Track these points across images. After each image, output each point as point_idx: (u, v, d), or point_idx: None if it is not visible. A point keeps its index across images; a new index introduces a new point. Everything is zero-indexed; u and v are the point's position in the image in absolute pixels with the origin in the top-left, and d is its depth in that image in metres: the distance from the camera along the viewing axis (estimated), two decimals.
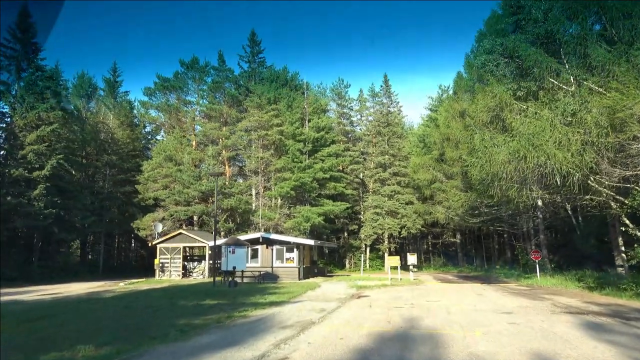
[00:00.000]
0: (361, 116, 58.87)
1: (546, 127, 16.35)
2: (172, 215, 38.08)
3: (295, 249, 28.78)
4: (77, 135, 42.53)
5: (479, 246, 48.96)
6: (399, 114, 56.40)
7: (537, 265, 27.21)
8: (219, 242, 26.39)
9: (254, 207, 41.00)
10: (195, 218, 42.01)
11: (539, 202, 31.20)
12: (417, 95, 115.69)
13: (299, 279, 28.44)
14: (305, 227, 37.62)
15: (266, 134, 39.43)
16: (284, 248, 29.09)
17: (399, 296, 18.37)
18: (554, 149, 16.10)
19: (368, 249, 52.00)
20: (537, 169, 17.16)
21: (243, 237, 29.51)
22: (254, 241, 28.49)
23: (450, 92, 48.85)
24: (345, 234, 52.60)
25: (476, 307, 14.30)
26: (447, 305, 15.01)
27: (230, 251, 22.31)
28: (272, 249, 29.18)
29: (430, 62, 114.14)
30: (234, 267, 21.83)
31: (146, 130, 53.79)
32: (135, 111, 52.03)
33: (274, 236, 28.82)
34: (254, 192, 44.01)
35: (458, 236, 52.35)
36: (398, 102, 55.56)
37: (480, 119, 20.86)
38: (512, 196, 19.70)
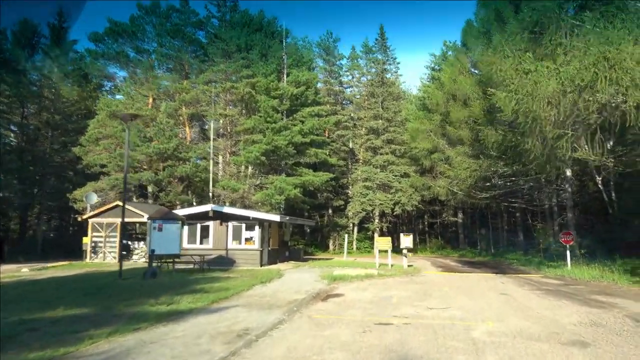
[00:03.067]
0: (352, 77, 52.70)
1: (625, 38, 10.53)
2: (115, 186, 32.17)
3: (257, 227, 23.12)
4: (12, 91, 36.33)
5: (485, 227, 43.57)
6: (395, 71, 50.28)
7: (568, 252, 21.72)
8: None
9: (220, 177, 35.18)
10: (149, 189, 36.15)
11: (568, 172, 25.66)
12: (416, 59, 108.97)
13: (261, 265, 22.85)
14: (278, 200, 31.93)
15: (233, 87, 33.21)
16: (243, 225, 23.41)
17: (386, 296, 12.79)
18: None
19: (356, 229, 46.53)
20: (602, 108, 11.45)
21: (186, 210, 23.80)
22: (203, 216, 22.75)
23: (458, 43, 42.78)
24: (330, 210, 47.01)
25: (513, 325, 8.75)
26: (464, 318, 9.46)
27: (155, 228, 16.57)
28: (228, 226, 23.51)
29: (433, 21, 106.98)
30: (153, 251, 16.07)
31: (106, 89, 47.36)
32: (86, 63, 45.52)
33: (228, 209, 23.08)
34: (221, 159, 38.13)
35: (460, 215, 46.91)
36: (395, 59, 49.35)
37: (510, 47, 14.84)
38: (560, 151, 13.90)
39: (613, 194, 27.99)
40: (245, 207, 32.75)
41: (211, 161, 26.62)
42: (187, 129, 36.21)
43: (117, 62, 38.38)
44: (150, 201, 35.35)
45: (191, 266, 19.69)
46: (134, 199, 36.65)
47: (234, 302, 10.99)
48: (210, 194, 25.35)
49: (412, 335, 7.77)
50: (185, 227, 24.07)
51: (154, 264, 16.86)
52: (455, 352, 6.75)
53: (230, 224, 23.52)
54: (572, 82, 11.37)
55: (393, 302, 11.86)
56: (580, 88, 11.29)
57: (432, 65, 51.29)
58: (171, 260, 18.27)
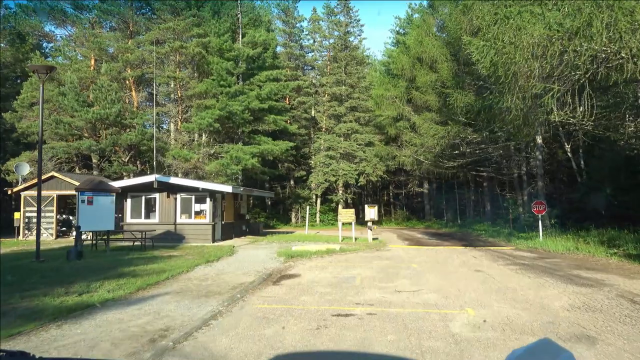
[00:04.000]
0: (314, 41, 50.27)
1: None
2: (53, 156, 29.42)
3: (208, 199, 21.19)
4: None
5: (451, 197, 42.80)
6: (359, 35, 48.07)
7: (540, 222, 20.77)
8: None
9: (172, 146, 32.74)
10: (94, 160, 33.42)
11: (539, 139, 24.67)
12: (381, 25, 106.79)
13: (213, 241, 21.04)
14: (234, 170, 29.92)
15: (182, 47, 30.51)
16: (193, 197, 21.43)
17: (348, 277, 11.28)
18: None
19: (319, 200, 45.04)
20: (593, 59, 10.00)
21: (128, 181, 21.64)
22: (148, 187, 20.63)
23: (425, 4, 40.98)
24: (292, 182, 45.27)
25: (498, 313, 7.36)
26: (439, 305, 8.02)
27: (83, 200, 14.47)
28: (176, 199, 21.49)
29: None
30: (79, 227, 14.01)
31: (45, 50, 43.40)
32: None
33: (175, 180, 21.00)
34: (173, 127, 35.65)
35: (426, 185, 46.05)
36: (359, 21, 47.06)
37: None
38: (541, 110, 12.49)
39: (582, 162, 27.32)
40: (199, 178, 30.62)
41: (154, 125, 24.30)
42: (133, 93, 33.41)
43: (53, 18, 34.87)
44: (95, 172, 32.71)
45: (133, 243, 17.74)
46: (77, 170, 33.94)
47: (165, 289, 9.22)
48: (154, 163, 23.12)
49: (379, 332, 6.22)
50: (129, 200, 22.03)
51: (89, 241, 14.82)
52: (435, 356, 5.23)
53: (179, 196, 21.51)
54: (560, 26, 9.85)
55: (356, 283, 10.34)
56: (570, 34, 9.79)
57: (397, 29, 49.50)
58: (105, 237, 16.25)
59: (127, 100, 33.68)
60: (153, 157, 24.28)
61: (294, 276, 11.51)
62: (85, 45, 33.52)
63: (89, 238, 18.54)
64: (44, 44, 42.37)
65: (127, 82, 33.93)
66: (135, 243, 17.67)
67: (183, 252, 16.20)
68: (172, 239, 20.91)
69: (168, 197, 21.53)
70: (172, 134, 35.20)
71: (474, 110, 17.34)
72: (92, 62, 34.68)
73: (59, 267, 11.87)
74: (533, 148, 25.69)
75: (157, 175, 20.38)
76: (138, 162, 33.26)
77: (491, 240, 24.34)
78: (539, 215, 20.73)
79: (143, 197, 21.85)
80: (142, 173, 30.94)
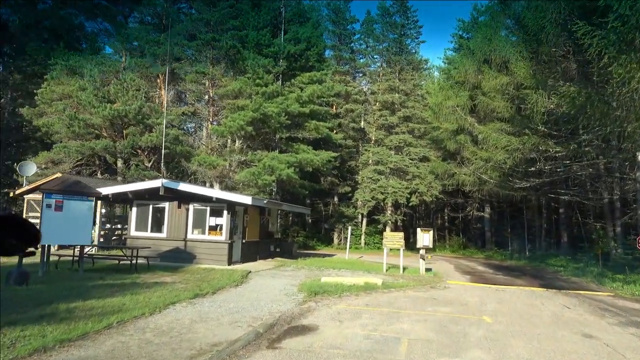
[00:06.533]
0: (367, 45, 46.79)
1: None
2: (67, 156, 27.20)
3: (225, 212, 17.88)
4: None
5: (518, 224, 37.82)
6: (417, 37, 44.20)
7: None
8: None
9: (201, 152, 29.92)
10: (119, 164, 31.06)
11: None
12: (440, 30, 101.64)
13: (229, 263, 17.66)
14: (267, 181, 26.62)
15: (214, 39, 27.70)
16: (207, 209, 18.19)
17: (390, 339, 7.53)
18: None
19: (365, 221, 41.13)
20: None
21: (131, 186, 18.68)
22: (153, 194, 17.53)
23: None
24: (335, 198, 41.59)
25: None
26: None
27: (50, 205, 11.39)
28: (188, 210, 18.33)
29: None
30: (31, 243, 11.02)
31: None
32: None
33: (186, 187, 17.76)
34: (204, 132, 32.91)
35: (487, 209, 41.19)
36: (417, 21, 43.21)
37: None
38: None
39: None
40: (228, 188, 27.59)
41: (164, 123, 21.20)
42: (162, 92, 30.91)
43: (84, 11, 33.17)
44: (119, 178, 30.27)
45: (118, 262, 14.59)
46: (98, 175, 31.68)
47: (85, 351, 5.79)
48: (162, 165, 20.18)
49: None
50: (134, 210, 19.07)
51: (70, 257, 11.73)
52: None
53: (191, 207, 18.33)
54: None
55: (400, 354, 6.57)
56: None
57: (460, 33, 45.32)
58: (90, 252, 13.13)
59: (155, 100, 31.26)
60: (161, 157, 21.34)
61: (307, 330, 7.85)
62: (115, 38, 31.47)
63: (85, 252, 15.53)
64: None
65: (158, 80, 31.58)
66: (124, 261, 14.45)
67: (179, 278, 12.85)
68: (181, 258, 17.71)
69: (179, 207, 18.40)
70: (203, 139, 32.46)
71: (576, 104, 13.27)
72: (124, 58, 32.66)
73: None
74: (632, 167, 21.03)
75: (164, 180, 17.25)
76: (163, 167, 30.65)
77: (575, 280, 19.78)
78: None
79: (151, 207, 18.84)
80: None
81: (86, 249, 13.89)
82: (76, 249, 13.58)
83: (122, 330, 6.89)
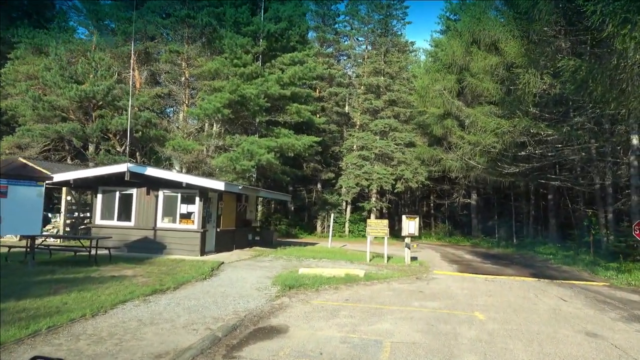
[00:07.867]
0: (351, 27, 45.44)
1: None
2: (32, 140, 25.74)
3: (197, 198, 16.76)
4: None
5: (505, 211, 37.14)
6: (402, 18, 43.00)
7: None
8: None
9: (176, 136, 28.56)
10: (90, 149, 29.61)
11: (634, 140, 19.24)
12: (427, 14, 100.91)
13: (202, 253, 16.59)
14: (245, 166, 25.43)
15: (189, 16, 26.27)
16: (178, 195, 17.06)
17: (370, 342, 6.57)
18: None
19: (349, 208, 40.22)
20: None
21: (95, 170, 17.47)
22: (120, 180, 16.30)
23: None
24: (319, 185, 40.53)
25: None
26: None
27: None
28: (157, 197, 17.16)
29: None
30: None
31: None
32: None
33: (153, 172, 16.56)
34: (181, 115, 31.51)
35: (474, 196, 40.47)
36: (403, 1, 41.98)
37: None
38: None
39: None
40: (205, 174, 26.39)
41: (130, 101, 19.81)
42: (135, 73, 29.40)
43: None
44: (91, 164, 28.83)
45: (75, 254, 13.42)
46: (68, 161, 30.22)
47: None
48: (127, 149, 18.90)
49: None
50: (99, 196, 17.83)
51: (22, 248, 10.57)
52: None
53: (161, 194, 17.17)
54: None
55: None
56: None
57: (447, 15, 44.22)
58: (45, 243, 11.94)
59: (129, 83, 29.79)
60: (128, 139, 20.02)
61: (275, 333, 6.84)
62: (84, 15, 29.86)
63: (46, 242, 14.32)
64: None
65: (131, 61, 30.06)
66: (82, 253, 13.28)
67: (142, 271, 11.76)
68: (149, 248, 16.59)
69: (148, 194, 17.23)
70: (179, 123, 31.07)
71: (576, 79, 12.30)
72: (94, 37, 31.06)
73: None
74: (626, 151, 20.29)
75: (129, 164, 16.04)
76: (137, 153, 29.33)
77: (567, 269, 19.05)
78: None
79: (117, 193, 17.63)
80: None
81: (39, 240, 12.70)
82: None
83: (51, 338, 5.81)
